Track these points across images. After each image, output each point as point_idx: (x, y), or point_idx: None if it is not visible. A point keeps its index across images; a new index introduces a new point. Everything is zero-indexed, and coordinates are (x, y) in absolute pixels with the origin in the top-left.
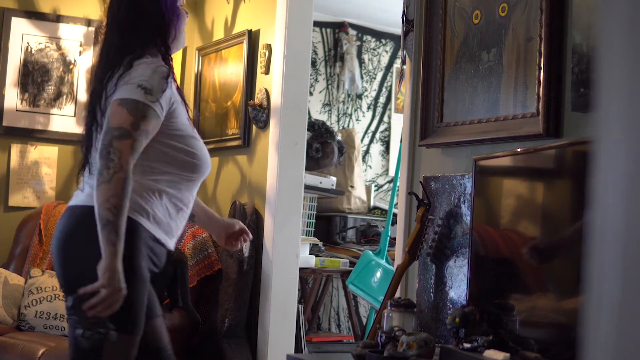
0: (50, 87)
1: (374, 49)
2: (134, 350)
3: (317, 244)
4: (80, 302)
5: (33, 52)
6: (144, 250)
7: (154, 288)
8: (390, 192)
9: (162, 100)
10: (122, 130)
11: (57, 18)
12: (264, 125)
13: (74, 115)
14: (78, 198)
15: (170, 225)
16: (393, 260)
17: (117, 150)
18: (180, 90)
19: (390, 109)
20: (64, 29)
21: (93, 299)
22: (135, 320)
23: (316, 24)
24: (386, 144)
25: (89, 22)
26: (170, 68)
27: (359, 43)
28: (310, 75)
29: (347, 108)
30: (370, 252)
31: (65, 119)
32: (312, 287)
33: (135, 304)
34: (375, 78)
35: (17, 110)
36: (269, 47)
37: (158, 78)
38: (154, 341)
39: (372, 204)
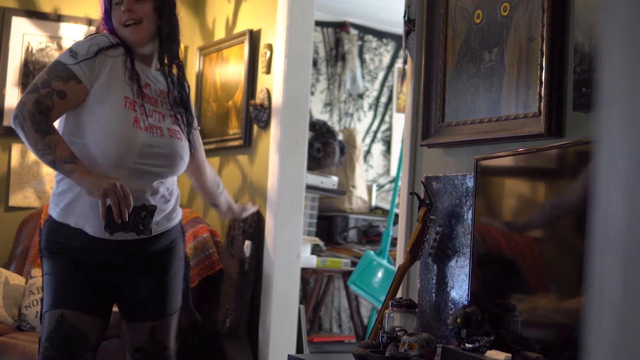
0: None
1: (376, 49)
2: (51, 325)
3: (319, 244)
4: (111, 222)
5: (34, 51)
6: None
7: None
8: (391, 192)
9: (84, 65)
10: (32, 85)
11: (58, 17)
12: (265, 125)
13: None
14: None
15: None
16: (394, 260)
17: (22, 103)
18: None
19: (391, 109)
20: (64, 28)
21: (113, 212)
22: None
23: (317, 23)
24: (387, 143)
25: (89, 22)
26: (120, 49)
27: (360, 43)
28: (312, 75)
29: (349, 108)
30: (372, 252)
31: None
32: (313, 287)
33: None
34: (376, 78)
35: None
36: (270, 46)
37: (88, 44)
38: (129, 342)
39: (373, 204)
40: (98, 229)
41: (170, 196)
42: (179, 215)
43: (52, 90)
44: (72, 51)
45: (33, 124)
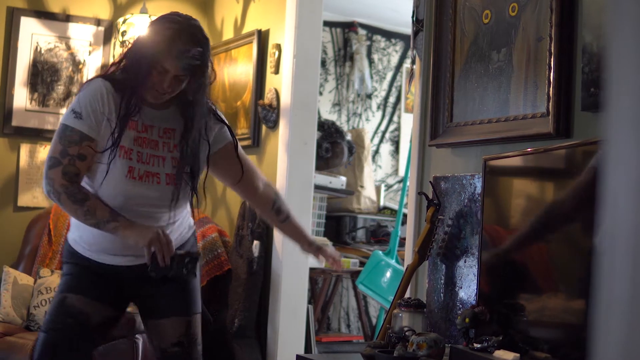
0: (59, 87)
1: (384, 49)
2: (52, 306)
3: (327, 244)
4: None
5: (42, 51)
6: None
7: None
8: (400, 192)
9: (90, 121)
10: (52, 159)
11: (67, 18)
12: (274, 125)
13: None
14: None
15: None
16: (403, 260)
17: (50, 179)
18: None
19: (400, 109)
20: (73, 28)
21: (158, 257)
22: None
23: (326, 23)
24: (396, 143)
25: (98, 22)
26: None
27: (368, 43)
28: (320, 75)
29: (357, 108)
30: (380, 252)
31: None
32: (321, 287)
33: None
34: (385, 78)
35: (26, 110)
36: (278, 46)
37: (87, 99)
38: (157, 340)
39: (381, 204)
40: (102, 256)
41: (181, 218)
42: (189, 232)
43: (72, 157)
44: (74, 112)
45: (69, 196)
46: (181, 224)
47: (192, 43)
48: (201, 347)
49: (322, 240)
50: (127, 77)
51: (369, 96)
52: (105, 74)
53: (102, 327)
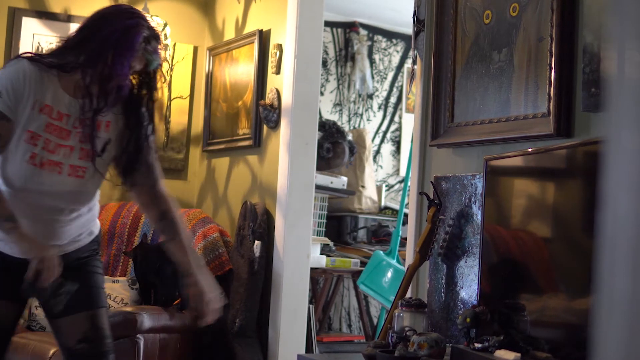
0: None
1: (385, 49)
2: None
3: (328, 244)
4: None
5: (44, 52)
6: None
7: (163, 287)
8: (401, 192)
9: (9, 101)
10: None
11: (68, 18)
12: (275, 125)
13: None
14: None
15: None
16: (404, 260)
17: None
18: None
19: (401, 109)
20: (74, 28)
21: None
22: None
23: (327, 23)
24: (397, 144)
25: None
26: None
27: (369, 43)
28: (321, 75)
29: (358, 108)
30: (381, 252)
31: None
32: (323, 287)
33: None
34: (386, 78)
35: None
36: (279, 47)
37: (10, 78)
38: (62, 339)
39: (383, 204)
40: (10, 250)
41: (84, 219)
42: (96, 230)
43: None
44: None
45: None
46: (83, 225)
47: (159, 43)
48: (111, 341)
49: (323, 240)
50: (73, 63)
51: (370, 96)
52: (35, 54)
53: (14, 325)
